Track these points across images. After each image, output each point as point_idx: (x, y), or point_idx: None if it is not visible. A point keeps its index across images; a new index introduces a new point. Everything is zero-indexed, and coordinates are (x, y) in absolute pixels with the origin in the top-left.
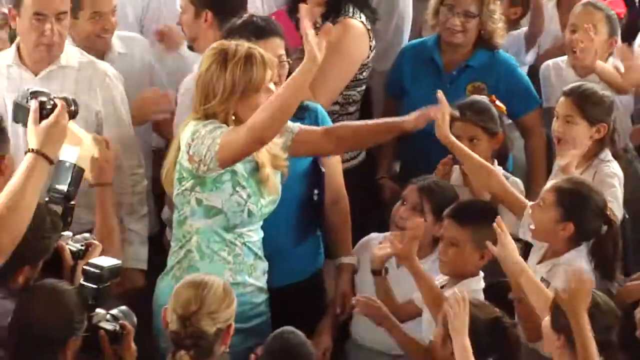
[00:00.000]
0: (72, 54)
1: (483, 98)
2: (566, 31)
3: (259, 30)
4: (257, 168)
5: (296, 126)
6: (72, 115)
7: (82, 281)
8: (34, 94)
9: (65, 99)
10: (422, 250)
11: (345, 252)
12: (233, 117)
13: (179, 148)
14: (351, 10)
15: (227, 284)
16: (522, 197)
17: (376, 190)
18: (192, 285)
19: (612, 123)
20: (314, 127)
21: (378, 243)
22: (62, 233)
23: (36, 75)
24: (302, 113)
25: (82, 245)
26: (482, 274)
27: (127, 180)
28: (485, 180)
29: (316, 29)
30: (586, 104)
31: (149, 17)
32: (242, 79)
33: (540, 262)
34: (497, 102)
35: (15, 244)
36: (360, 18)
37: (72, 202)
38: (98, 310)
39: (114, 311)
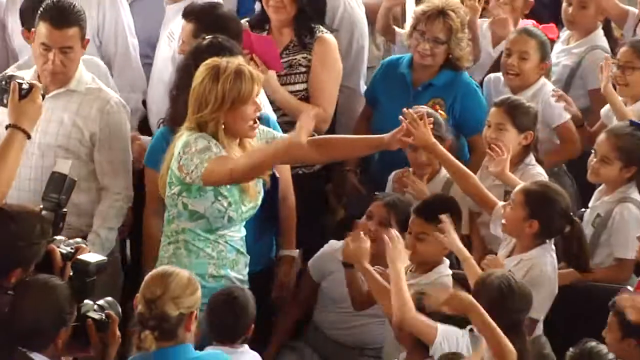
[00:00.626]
0: (83, 81)
1: (427, 108)
2: (503, 54)
3: (223, 50)
4: (243, 189)
5: (278, 136)
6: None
7: (70, 275)
8: (11, 77)
9: (30, 83)
10: None
11: (287, 246)
12: (223, 126)
13: (173, 155)
14: (320, 28)
15: (192, 275)
16: (494, 198)
17: (326, 197)
18: (159, 273)
19: (536, 131)
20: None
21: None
22: (55, 237)
23: (47, 93)
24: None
25: (71, 249)
26: (447, 261)
27: (109, 197)
28: (461, 180)
29: (294, 46)
30: (516, 112)
31: (106, 34)
32: (232, 91)
33: (509, 256)
34: (440, 111)
35: None
36: (328, 33)
37: (64, 210)
38: (86, 301)
39: (101, 302)
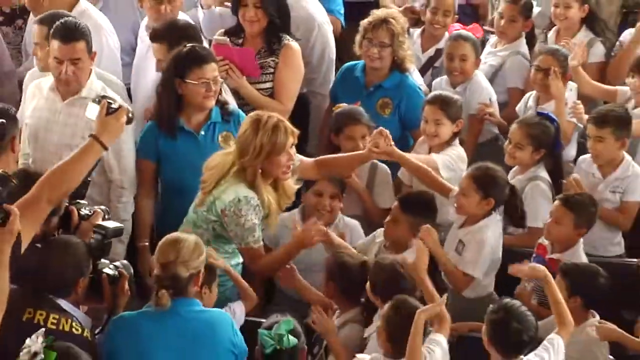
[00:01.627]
0: (94, 89)
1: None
2: (444, 59)
3: (199, 57)
4: (267, 215)
5: (297, 160)
6: (129, 121)
7: (92, 235)
8: (104, 97)
9: (127, 108)
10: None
11: None
12: (260, 171)
13: (222, 167)
14: (287, 37)
15: (199, 240)
16: (449, 185)
17: None
18: (171, 240)
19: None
20: (307, 159)
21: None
22: (79, 201)
23: (64, 100)
24: (229, 116)
25: (90, 211)
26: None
27: (117, 191)
28: (420, 175)
29: (265, 52)
30: (448, 107)
31: (28, 43)
32: (269, 143)
33: (461, 227)
34: (386, 109)
35: (59, 200)
36: (293, 41)
37: (89, 179)
38: (103, 260)
39: (116, 262)
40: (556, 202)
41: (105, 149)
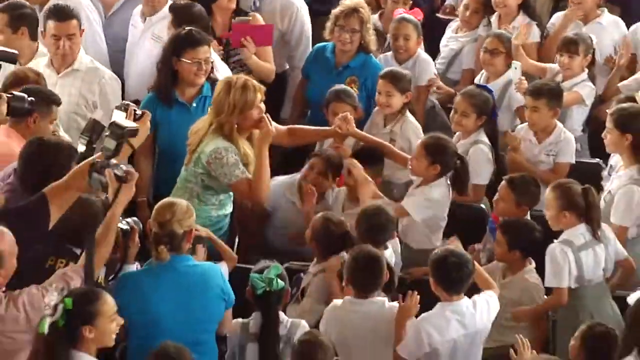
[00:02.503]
0: (84, 62)
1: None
2: (390, 38)
3: (194, 40)
4: (245, 166)
5: (272, 127)
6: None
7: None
8: (128, 105)
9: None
10: None
11: None
12: (236, 126)
13: (203, 127)
14: (251, 13)
15: (189, 204)
16: (406, 155)
17: None
18: (166, 203)
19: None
20: (281, 127)
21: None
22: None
23: (58, 73)
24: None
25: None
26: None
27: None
28: (381, 150)
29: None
30: (398, 81)
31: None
32: (240, 100)
33: (417, 187)
34: (354, 87)
35: (71, 201)
36: (258, 15)
37: (122, 140)
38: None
39: (128, 219)
40: (502, 182)
41: (134, 149)
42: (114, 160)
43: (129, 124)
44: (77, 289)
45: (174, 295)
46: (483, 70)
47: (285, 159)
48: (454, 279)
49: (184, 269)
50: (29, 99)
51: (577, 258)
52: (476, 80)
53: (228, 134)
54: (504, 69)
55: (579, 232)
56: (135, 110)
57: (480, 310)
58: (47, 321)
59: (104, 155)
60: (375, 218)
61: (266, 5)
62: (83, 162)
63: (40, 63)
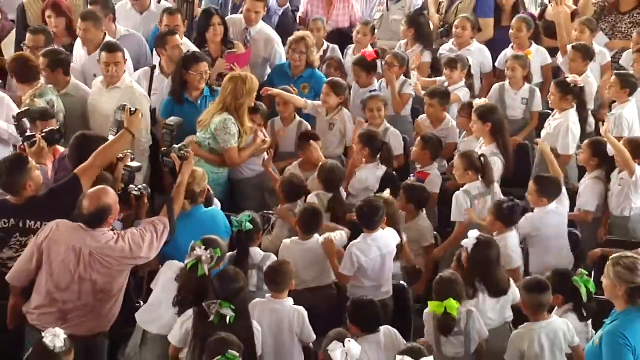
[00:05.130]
0: (126, 82)
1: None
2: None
3: (197, 58)
4: (241, 136)
5: None
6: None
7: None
8: (125, 105)
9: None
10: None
11: None
12: (236, 109)
13: (214, 108)
14: (234, 42)
15: (204, 171)
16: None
17: None
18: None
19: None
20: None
21: None
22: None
23: (107, 88)
24: (213, 92)
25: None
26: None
27: (138, 147)
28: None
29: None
30: (335, 87)
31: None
32: (237, 89)
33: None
34: (306, 90)
35: (105, 166)
36: (239, 43)
37: (173, 132)
38: (131, 186)
39: (139, 186)
40: (418, 139)
41: (133, 136)
42: (176, 146)
43: (174, 120)
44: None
45: (194, 233)
46: (382, 79)
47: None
48: (374, 221)
49: (200, 215)
50: (56, 128)
51: (472, 203)
52: (376, 86)
53: (233, 110)
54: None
55: (476, 186)
56: (130, 108)
57: (387, 238)
58: (205, 267)
59: (165, 144)
60: (330, 171)
61: (255, 39)
62: (102, 147)
63: (97, 80)
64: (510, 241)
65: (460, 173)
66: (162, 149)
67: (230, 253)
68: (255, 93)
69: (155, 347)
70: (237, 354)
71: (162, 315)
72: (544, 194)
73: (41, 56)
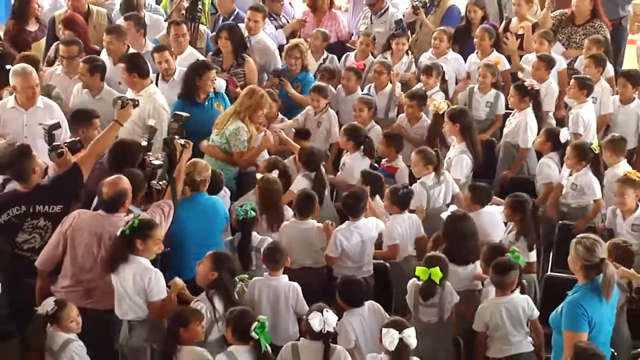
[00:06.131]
0: (150, 92)
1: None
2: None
3: (207, 66)
4: (249, 138)
5: None
6: (135, 105)
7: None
8: (120, 97)
9: (131, 99)
10: None
11: None
12: (249, 118)
13: (230, 114)
14: (245, 55)
15: (207, 163)
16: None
17: None
18: (190, 163)
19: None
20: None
21: None
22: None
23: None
24: (217, 94)
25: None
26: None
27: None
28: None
29: (237, 65)
30: (321, 91)
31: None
32: (252, 102)
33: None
34: (298, 89)
35: (102, 154)
36: (249, 57)
37: (181, 122)
38: (153, 181)
39: (161, 182)
40: (382, 137)
41: (122, 125)
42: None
43: (184, 114)
44: (145, 220)
45: (197, 218)
46: (371, 84)
47: None
48: (356, 210)
49: (202, 202)
50: (77, 139)
51: (428, 192)
52: (365, 91)
53: (243, 119)
54: (386, 84)
55: (431, 177)
56: (122, 101)
57: (370, 226)
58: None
59: (170, 132)
60: (310, 153)
61: (254, 49)
62: (100, 135)
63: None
64: (398, 222)
65: (419, 167)
66: (166, 136)
67: (230, 238)
68: (265, 106)
69: (141, 331)
70: (265, 318)
71: (130, 305)
72: (478, 201)
73: (82, 62)
